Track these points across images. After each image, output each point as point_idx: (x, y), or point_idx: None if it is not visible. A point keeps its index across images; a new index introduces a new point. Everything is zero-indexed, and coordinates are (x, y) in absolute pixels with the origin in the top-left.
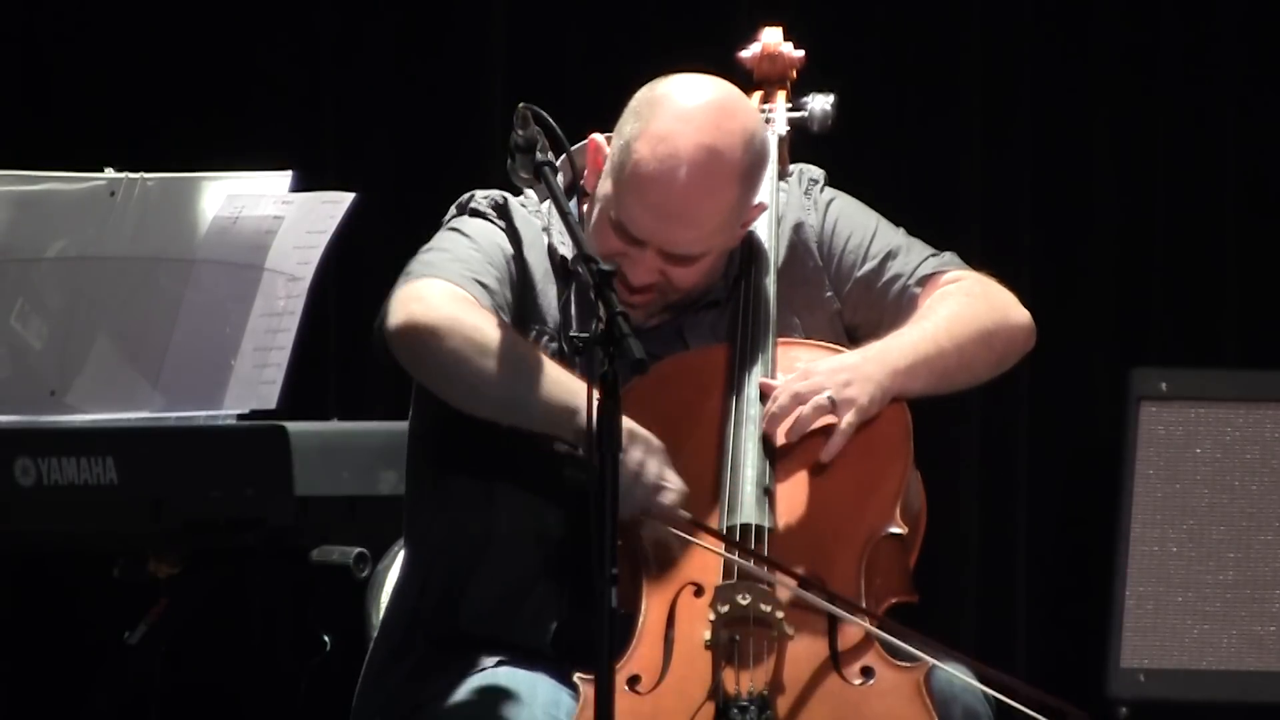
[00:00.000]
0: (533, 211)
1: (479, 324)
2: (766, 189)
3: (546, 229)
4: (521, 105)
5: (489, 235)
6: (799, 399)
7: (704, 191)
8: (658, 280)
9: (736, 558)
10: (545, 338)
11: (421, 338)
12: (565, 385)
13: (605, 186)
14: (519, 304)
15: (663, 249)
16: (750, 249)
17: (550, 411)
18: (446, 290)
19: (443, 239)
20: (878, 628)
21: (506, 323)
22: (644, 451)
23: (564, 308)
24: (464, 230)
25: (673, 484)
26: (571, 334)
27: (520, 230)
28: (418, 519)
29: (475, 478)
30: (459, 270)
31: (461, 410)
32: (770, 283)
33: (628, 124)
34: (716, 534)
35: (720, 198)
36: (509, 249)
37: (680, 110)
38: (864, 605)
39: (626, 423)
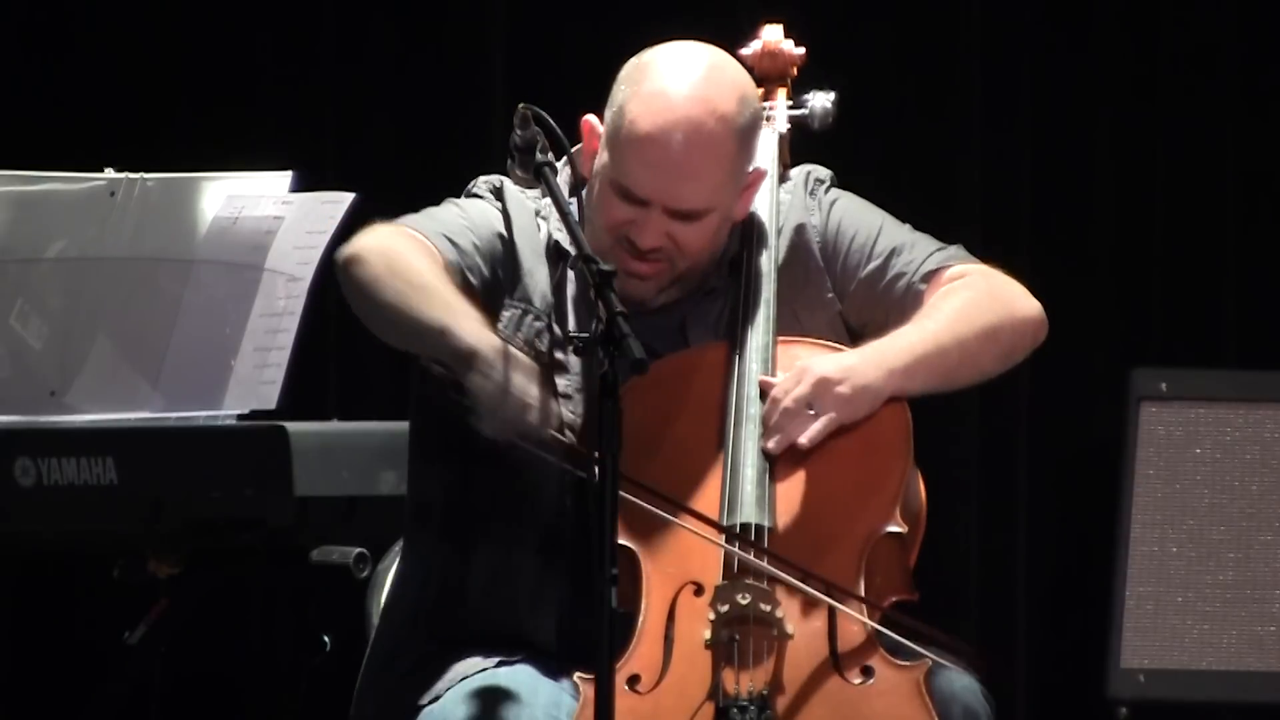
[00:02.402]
0: (530, 197)
1: (405, 255)
2: (764, 155)
3: (539, 213)
4: (521, 106)
5: (482, 211)
6: (792, 417)
7: (702, 142)
8: (665, 244)
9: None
10: (530, 316)
11: (350, 263)
12: (449, 307)
13: (603, 157)
14: (506, 281)
15: (668, 205)
16: (747, 233)
17: (428, 332)
18: (399, 231)
19: (435, 208)
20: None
21: (442, 262)
22: (526, 378)
23: (556, 289)
24: (457, 204)
25: (552, 410)
26: (571, 334)
27: (513, 213)
28: (417, 509)
29: (456, 458)
30: (430, 225)
31: (374, 334)
32: (770, 279)
33: (619, 93)
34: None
35: (719, 148)
36: (499, 227)
37: (670, 69)
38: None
39: (498, 343)
